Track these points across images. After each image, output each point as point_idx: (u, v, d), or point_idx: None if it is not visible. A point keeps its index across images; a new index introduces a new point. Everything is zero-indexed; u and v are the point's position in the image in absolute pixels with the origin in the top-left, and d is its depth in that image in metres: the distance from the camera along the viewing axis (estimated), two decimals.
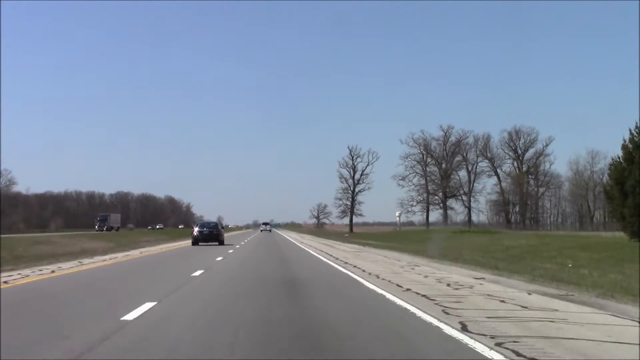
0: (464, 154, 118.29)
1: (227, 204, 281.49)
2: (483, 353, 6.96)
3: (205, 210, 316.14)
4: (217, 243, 43.79)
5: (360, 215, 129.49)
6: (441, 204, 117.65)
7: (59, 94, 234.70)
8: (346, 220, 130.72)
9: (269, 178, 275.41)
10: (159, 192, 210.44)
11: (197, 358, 6.71)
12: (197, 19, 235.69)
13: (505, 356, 6.78)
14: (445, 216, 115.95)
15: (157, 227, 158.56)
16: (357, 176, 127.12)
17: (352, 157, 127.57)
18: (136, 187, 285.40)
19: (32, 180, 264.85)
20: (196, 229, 45.95)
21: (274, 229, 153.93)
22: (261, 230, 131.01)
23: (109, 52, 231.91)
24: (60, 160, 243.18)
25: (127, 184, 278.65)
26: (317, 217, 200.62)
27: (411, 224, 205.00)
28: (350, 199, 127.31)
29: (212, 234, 44.79)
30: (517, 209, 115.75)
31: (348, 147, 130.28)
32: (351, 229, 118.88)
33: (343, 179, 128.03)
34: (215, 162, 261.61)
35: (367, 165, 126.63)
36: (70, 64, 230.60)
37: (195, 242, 43.97)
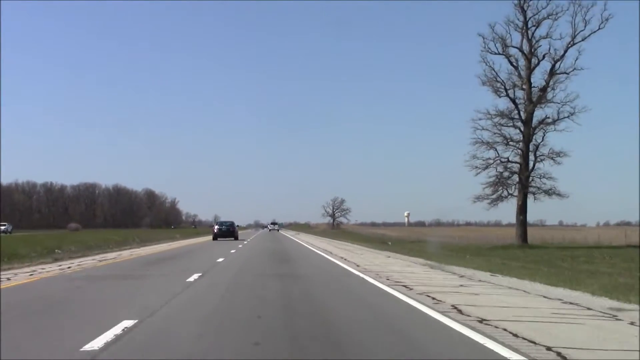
0: None
1: (224, 203, 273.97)
2: None
3: (200, 209, 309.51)
4: (232, 238, 56.76)
5: (551, 193, 44.14)
6: None
7: (59, 91, 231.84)
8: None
9: (269, 177, 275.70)
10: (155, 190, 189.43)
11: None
12: (196, 20, 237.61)
13: None
14: None
15: None
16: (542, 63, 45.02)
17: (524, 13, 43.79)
18: (130, 184, 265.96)
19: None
20: (216, 227, 59.53)
21: (280, 230, 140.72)
22: (269, 230, 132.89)
23: (108, 50, 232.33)
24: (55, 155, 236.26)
25: (122, 181, 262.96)
26: (332, 215, 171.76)
27: (421, 224, 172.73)
28: (521, 139, 44.23)
29: (229, 231, 58.03)
30: None
31: None
32: None
33: (496, 85, 44.89)
34: (212, 161, 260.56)
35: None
36: (69, 62, 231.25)
37: (215, 237, 56.66)
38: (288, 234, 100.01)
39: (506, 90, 44.59)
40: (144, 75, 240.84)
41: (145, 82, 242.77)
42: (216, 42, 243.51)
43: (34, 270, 19.15)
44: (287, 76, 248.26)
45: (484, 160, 45.14)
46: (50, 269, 19.80)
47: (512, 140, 44.69)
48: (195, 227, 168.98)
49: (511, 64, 44.56)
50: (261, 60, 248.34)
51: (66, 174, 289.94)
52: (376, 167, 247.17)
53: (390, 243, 54.95)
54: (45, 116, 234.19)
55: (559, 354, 6.90)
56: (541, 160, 44.42)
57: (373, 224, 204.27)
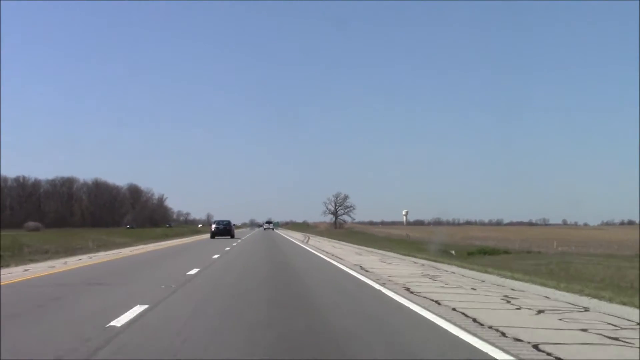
0: None
1: (219, 201, 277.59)
2: None
3: (193, 207, 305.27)
4: (229, 237, 60.14)
5: None
6: None
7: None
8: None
9: (264, 175, 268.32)
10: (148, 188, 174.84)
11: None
12: (190, 13, 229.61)
13: None
14: None
15: None
16: None
17: None
18: (116, 179, 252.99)
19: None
20: (214, 226, 62.48)
21: (275, 230, 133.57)
22: (264, 229, 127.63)
23: (94, 40, 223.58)
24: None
25: (116, 178, 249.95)
26: (335, 213, 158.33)
27: (420, 222, 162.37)
28: None
29: (226, 229, 61.57)
30: None
31: None
32: None
33: None
34: (206, 156, 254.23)
35: None
36: (47, 51, 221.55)
37: (213, 235, 60.19)
38: (293, 237, 70.18)
39: None
40: (132, 64, 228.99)
41: (134, 71, 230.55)
42: (212, 35, 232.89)
43: None
44: (284, 71, 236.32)
45: None
46: None
47: None
48: (169, 226, 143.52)
49: None
50: (257, 54, 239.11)
51: (41, 167, 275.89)
52: (373, 164, 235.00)
53: (453, 252, 41.56)
54: (18, 103, 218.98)
55: None
56: None
57: (371, 223, 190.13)
